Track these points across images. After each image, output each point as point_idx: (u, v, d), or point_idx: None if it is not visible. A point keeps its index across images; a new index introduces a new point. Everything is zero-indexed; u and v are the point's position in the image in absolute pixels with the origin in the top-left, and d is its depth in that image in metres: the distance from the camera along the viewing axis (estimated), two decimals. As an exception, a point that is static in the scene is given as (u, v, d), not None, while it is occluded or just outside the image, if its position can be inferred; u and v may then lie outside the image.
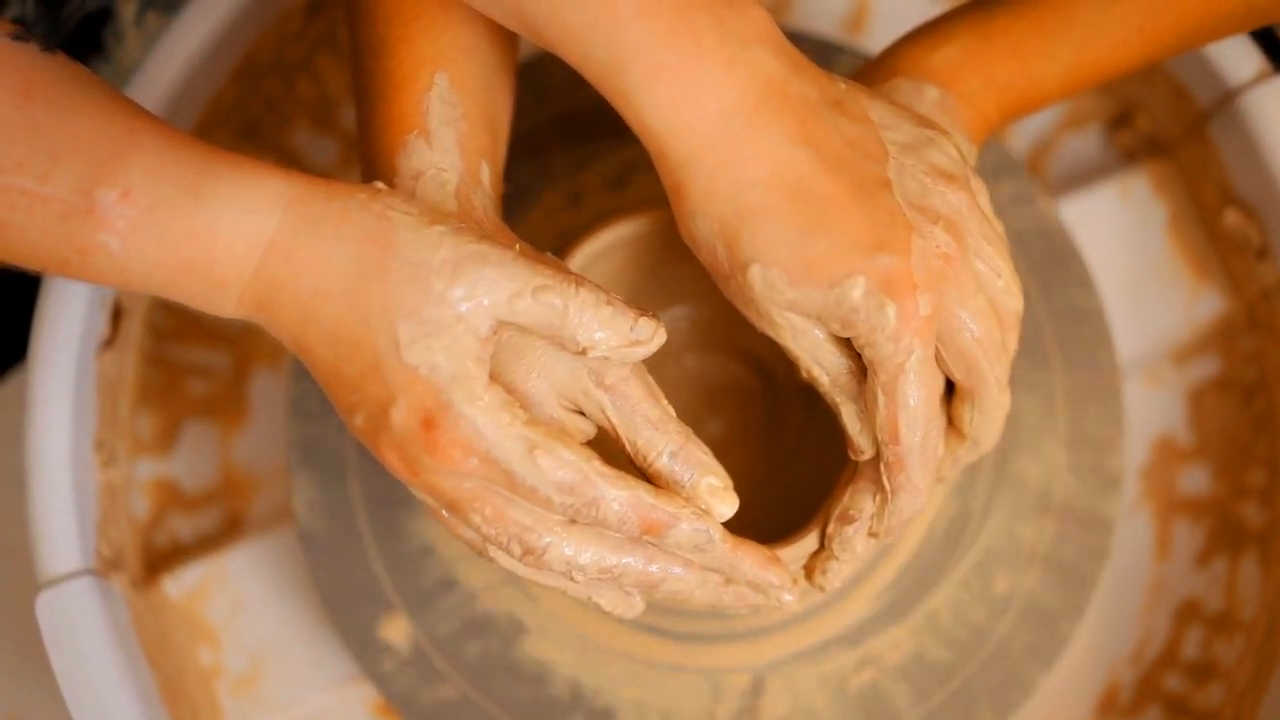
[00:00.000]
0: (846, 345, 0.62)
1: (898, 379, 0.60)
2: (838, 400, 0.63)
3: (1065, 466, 0.80)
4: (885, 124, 0.62)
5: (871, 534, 0.66)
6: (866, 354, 0.60)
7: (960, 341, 0.61)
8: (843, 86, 0.62)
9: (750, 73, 0.58)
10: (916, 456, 0.62)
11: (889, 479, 0.63)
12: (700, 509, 0.61)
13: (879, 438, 0.62)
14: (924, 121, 0.64)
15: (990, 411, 0.64)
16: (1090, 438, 0.81)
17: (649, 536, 0.60)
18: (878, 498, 0.64)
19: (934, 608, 0.78)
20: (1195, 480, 0.88)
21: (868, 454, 0.64)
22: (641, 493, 0.59)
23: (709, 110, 0.57)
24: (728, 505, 0.62)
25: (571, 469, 0.58)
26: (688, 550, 0.61)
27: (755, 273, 0.59)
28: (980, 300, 0.61)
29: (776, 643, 0.78)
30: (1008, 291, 0.63)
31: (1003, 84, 0.68)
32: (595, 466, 0.59)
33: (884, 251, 0.58)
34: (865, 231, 0.58)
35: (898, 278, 0.58)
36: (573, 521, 0.60)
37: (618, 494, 0.59)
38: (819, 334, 0.61)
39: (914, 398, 0.60)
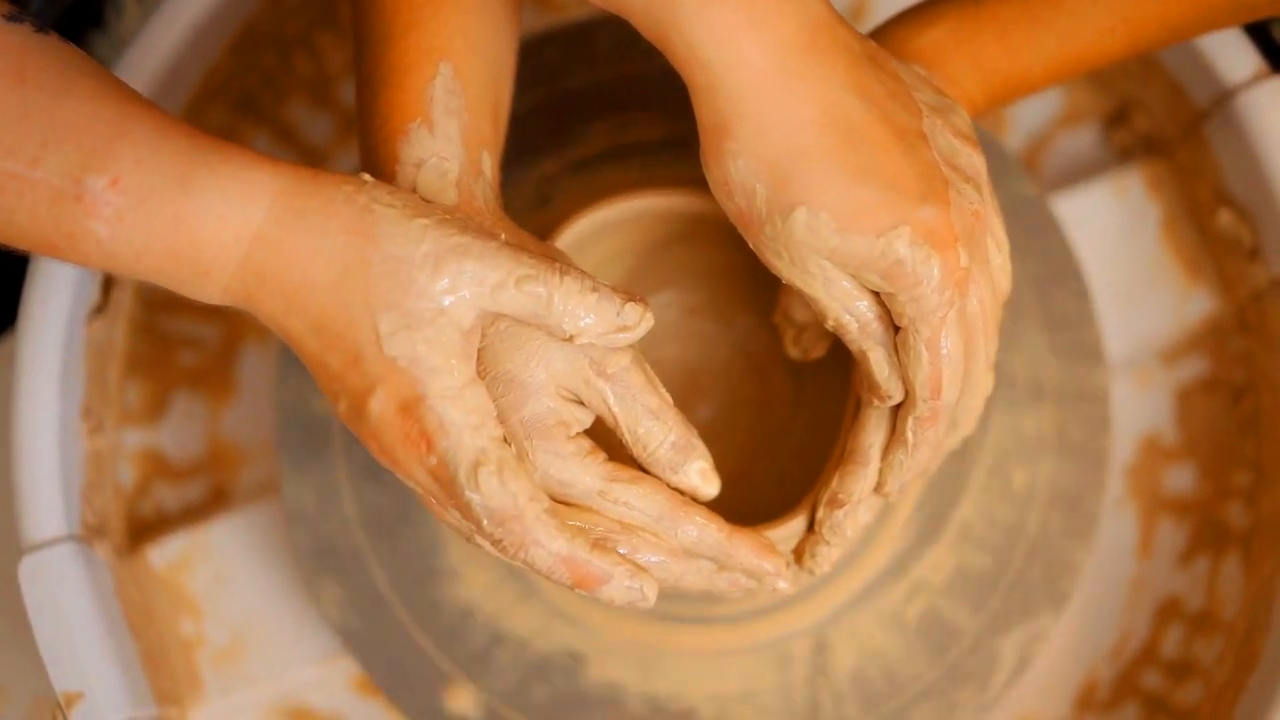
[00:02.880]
0: (874, 294, 0.61)
1: (940, 332, 0.60)
2: (866, 347, 0.62)
3: (1047, 348, 0.82)
4: (912, 84, 0.62)
5: (884, 493, 0.66)
6: (908, 309, 0.60)
7: (967, 308, 0.61)
8: (873, 44, 0.62)
9: (802, 9, 0.57)
10: (949, 411, 0.62)
11: (916, 432, 0.63)
12: (637, 566, 0.61)
13: (918, 394, 0.61)
14: (939, 90, 0.64)
15: (973, 389, 0.64)
16: (1064, 318, 0.82)
17: (578, 590, 0.60)
18: (895, 452, 0.64)
19: (963, 519, 0.79)
20: (1180, 480, 0.88)
21: (896, 399, 0.63)
22: (578, 549, 0.59)
23: (767, 42, 0.56)
24: (714, 486, 0.65)
25: (509, 501, 0.58)
26: (620, 602, 0.61)
27: (800, 217, 0.57)
28: (989, 270, 0.62)
29: (827, 597, 0.78)
30: (1002, 270, 0.63)
31: (988, 68, 0.68)
32: (535, 509, 0.59)
33: (927, 203, 0.58)
34: (911, 182, 0.58)
35: (940, 229, 0.58)
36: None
37: (552, 545, 0.59)
38: (848, 283, 0.60)
39: (955, 351, 0.60)
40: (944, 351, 0.60)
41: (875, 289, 0.60)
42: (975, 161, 0.62)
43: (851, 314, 0.61)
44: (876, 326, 0.62)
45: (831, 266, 0.59)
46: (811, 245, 0.58)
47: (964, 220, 0.59)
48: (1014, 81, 0.69)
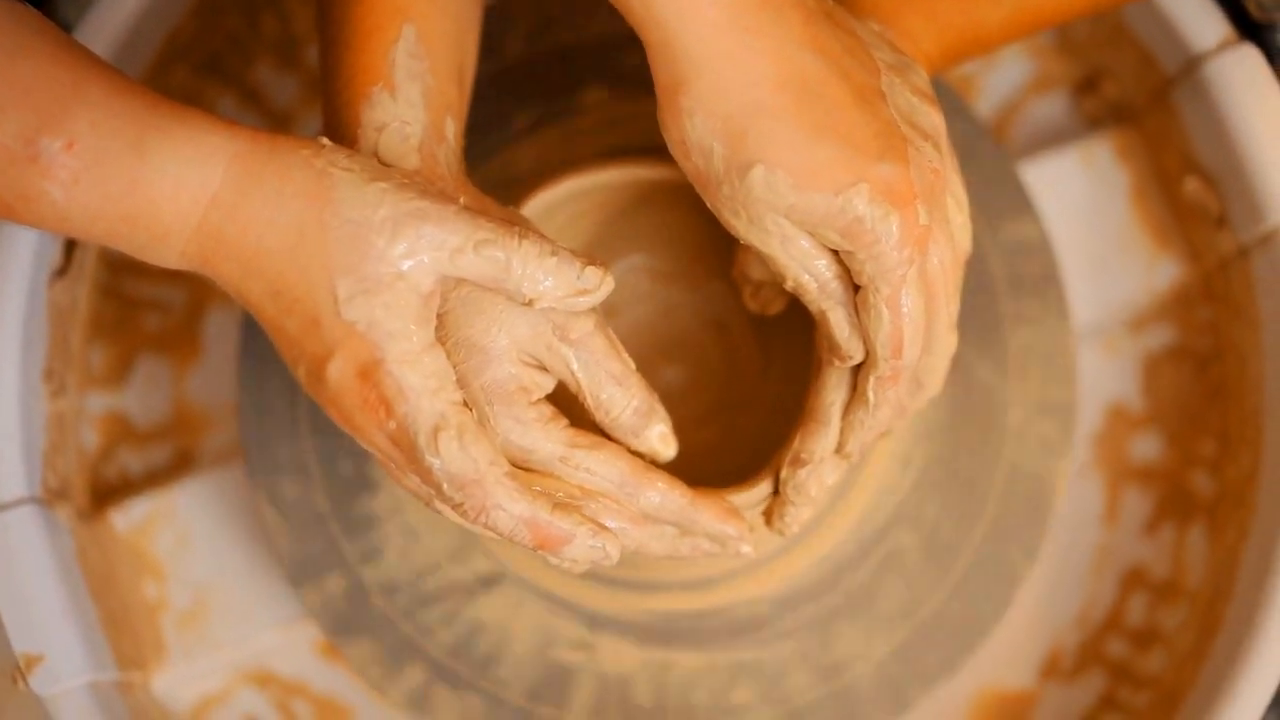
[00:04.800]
0: (833, 253, 0.61)
1: (900, 290, 0.60)
2: (825, 306, 0.62)
3: (1014, 316, 0.82)
4: (870, 42, 0.62)
5: (844, 453, 0.66)
6: (868, 268, 0.59)
7: (928, 267, 0.61)
8: (830, 1, 0.61)
9: None
10: (910, 370, 0.62)
11: (877, 392, 0.63)
12: (599, 525, 0.61)
13: (879, 353, 0.61)
14: (897, 48, 0.64)
15: (937, 350, 0.64)
16: (1031, 286, 0.83)
17: (541, 551, 0.60)
18: (856, 412, 0.64)
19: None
20: (1146, 448, 0.88)
21: (856, 359, 0.63)
22: (540, 510, 0.59)
23: None
24: (672, 449, 0.65)
25: (469, 466, 0.58)
26: (583, 565, 0.61)
27: (757, 174, 0.57)
28: (950, 230, 0.61)
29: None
30: (963, 229, 0.63)
31: (944, 23, 0.67)
32: (496, 473, 0.59)
33: (885, 161, 0.58)
34: (869, 139, 0.58)
35: (899, 187, 0.58)
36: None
37: (513, 508, 0.59)
38: (806, 242, 0.60)
39: (916, 310, 0.60)
40: (904, 310, 0.60)
41: (834, 247, 0.60)
42: (934, 120, 0.62)
43: (810, 273, 0.61)
44: (836, 286, 0.61)
45: (789, 225, 0.59)
46: (769, 203, 0.58)
47: (923, 178, 0.59)
48: (970, 37, 0.68)
